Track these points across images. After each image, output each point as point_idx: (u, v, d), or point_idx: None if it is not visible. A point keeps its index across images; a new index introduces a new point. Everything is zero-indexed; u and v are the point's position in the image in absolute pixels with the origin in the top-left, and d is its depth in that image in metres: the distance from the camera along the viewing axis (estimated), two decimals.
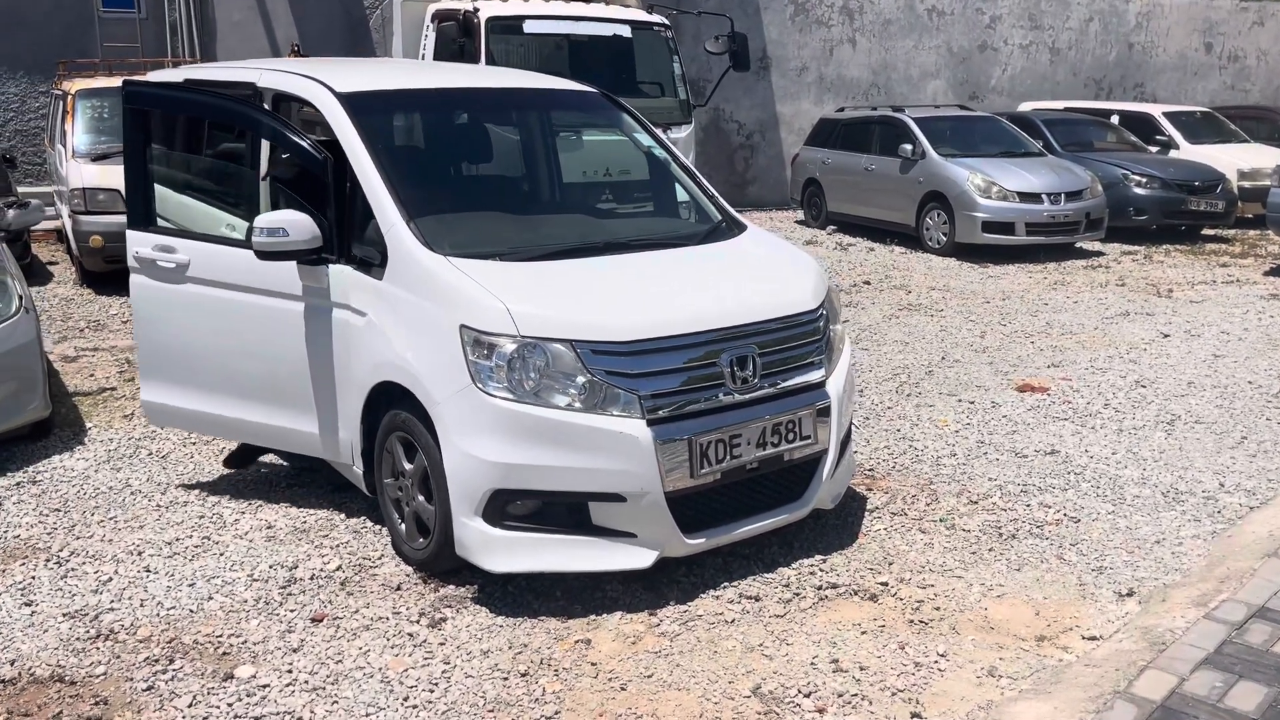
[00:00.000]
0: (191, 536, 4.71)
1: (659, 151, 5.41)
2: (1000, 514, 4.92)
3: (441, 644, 3.80)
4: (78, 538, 4.69)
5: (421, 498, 4.27)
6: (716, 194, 5.29)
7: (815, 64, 18.17)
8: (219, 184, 5.71)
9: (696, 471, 3.96)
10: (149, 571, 4.37)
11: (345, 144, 4.51)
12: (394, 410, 4.30)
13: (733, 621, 3.94)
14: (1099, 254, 12.75)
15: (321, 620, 3.96)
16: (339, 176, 4.50)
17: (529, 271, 4.21)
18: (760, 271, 4.59)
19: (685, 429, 3.94)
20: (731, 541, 4.20)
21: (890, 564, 4.41)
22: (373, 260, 4.42)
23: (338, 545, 4.61)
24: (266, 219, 4.47)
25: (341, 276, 4.53)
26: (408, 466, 4.33)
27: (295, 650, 3.77)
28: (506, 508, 3.92)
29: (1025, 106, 17.24)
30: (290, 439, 4.96)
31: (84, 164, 10.16)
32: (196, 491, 5.23)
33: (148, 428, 6.19)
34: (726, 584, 4.20)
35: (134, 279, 5.11)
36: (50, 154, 12.37)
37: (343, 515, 4.93)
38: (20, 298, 5.92)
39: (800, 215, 15.64)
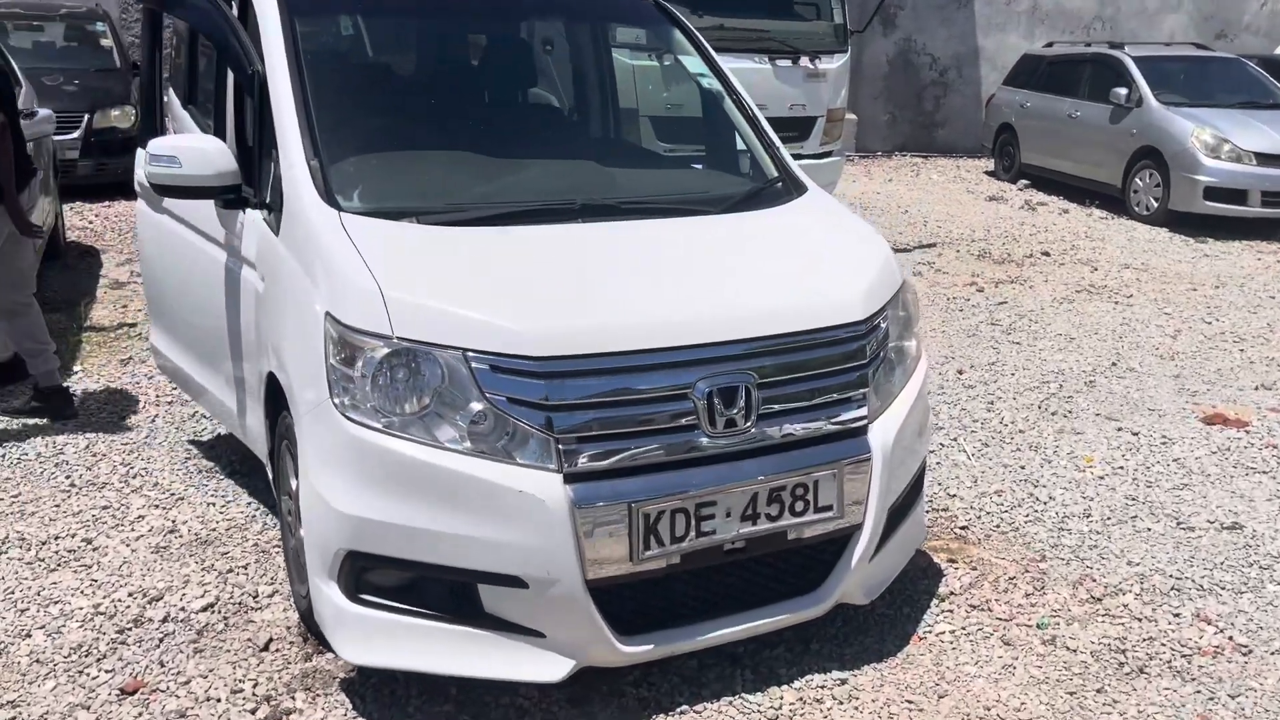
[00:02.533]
0: (75, 535, 3.82)
1: (713, 82, 4.05)
2: (1130, 626, 3.42)
3: None
4: None
5: (303, 531, 3.20)
6: (778, 142, 3.90)
7: None
8: (202, 101, 4.80)
9: (639, 554, 2.70)
10: None
11: (265, 47, 3.41)
12: (285, 411, 3.23)
13: None
14: None
15: (132, 694, 2.97)
16: (266, 96, 3.42)
17: (446, 241, 3.01)
18: (794, 258, 3.21)
19: (623, 490, 2.68)
20: (696, 650, 2.94)
21: (942, 697, 3.03)
22: (274, 208, 3.34)
23: (230, 570, 3.61)
24: (159, 143, 3.45)
25: (254, 227, 3.48)
26: (294, 485, 3.26)
27: None
28: (365, 576, 2.79)
29: None
30: (222, 415, 4.03)
31: None
32: (123, 471, 4.36)
33: (133, 378, 5.40)
34: (687, 707, 2.95)
35: (137, 203, 4.46)
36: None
37: (268, 522, 3.94)
38: None
39: (991, 165, 13.68)
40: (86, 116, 9.78)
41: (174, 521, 3.94)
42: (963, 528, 4.05)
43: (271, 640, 3.22)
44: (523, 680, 2.76)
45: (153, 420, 4.89)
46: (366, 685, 3.01)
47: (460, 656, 2.74)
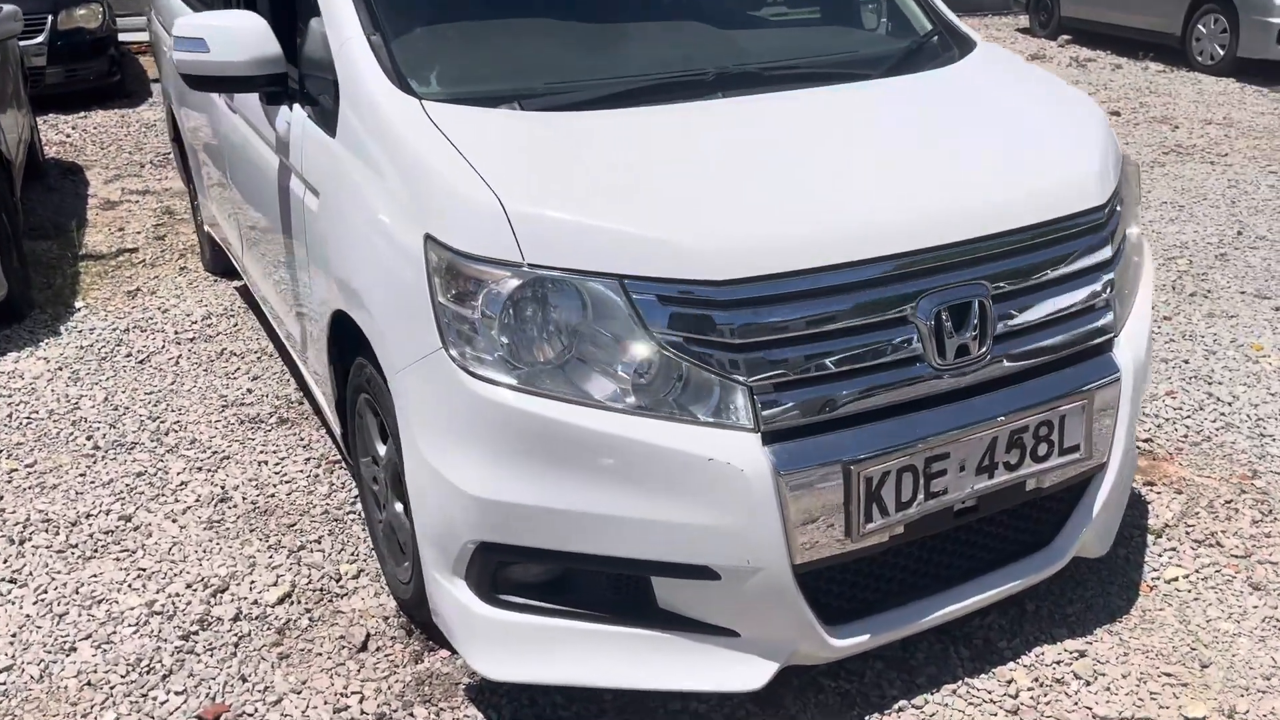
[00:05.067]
0: (109, 512, 3.21)
1: None
2: None
3: None
4: None
5: (399, 505, 2.59)
6: None
7: None
8: None
9: (860, 528, 2.09)
10: (14, 582, 2.89)
11: None
12: (361, 358, 2.59)
13: None
14: None
15: None
16: None
17: (564, 131, 2.31)
18: (1001, 130, 2.51)
19: (836, 447, 2.05)
20: (915, 633, 2.35)
21: (1205, 666, 2.47)
22: (325, 103, 2.64)
23: (301, 546, 3.01)
24: (185, 23, 2.75)
25: (300, 126, 2.78)
26: (380, 449, 2.64)
27: None
28: (505, 572, 2.18)
29: None
30: (283, 329, 3.45)
31: None
32: (153, 425, 3.72)
33: (145, 312, 4.73)
34: (905, 702, 2.38)
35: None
36: None
37: (334, 483, 3.33)
38: None
39: (1024, 22, 12.76)
40: (50, 18, 8.84)
41: (223, 487, 3.33)
42: (1145, 440, 3.45)
43: (369, 637, 2.64)
44: (715, 690, 2.17)
45: (176, 363, 4.24)
46: (499, 693, 2.43)
47: (630, 665, 2.15)
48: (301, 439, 3.61)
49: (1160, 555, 2.86)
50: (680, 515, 2.01)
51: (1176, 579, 2.77)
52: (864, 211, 2.12)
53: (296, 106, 2.82)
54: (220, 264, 5.06)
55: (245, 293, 4.90)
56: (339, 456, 3.48)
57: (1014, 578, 2.38)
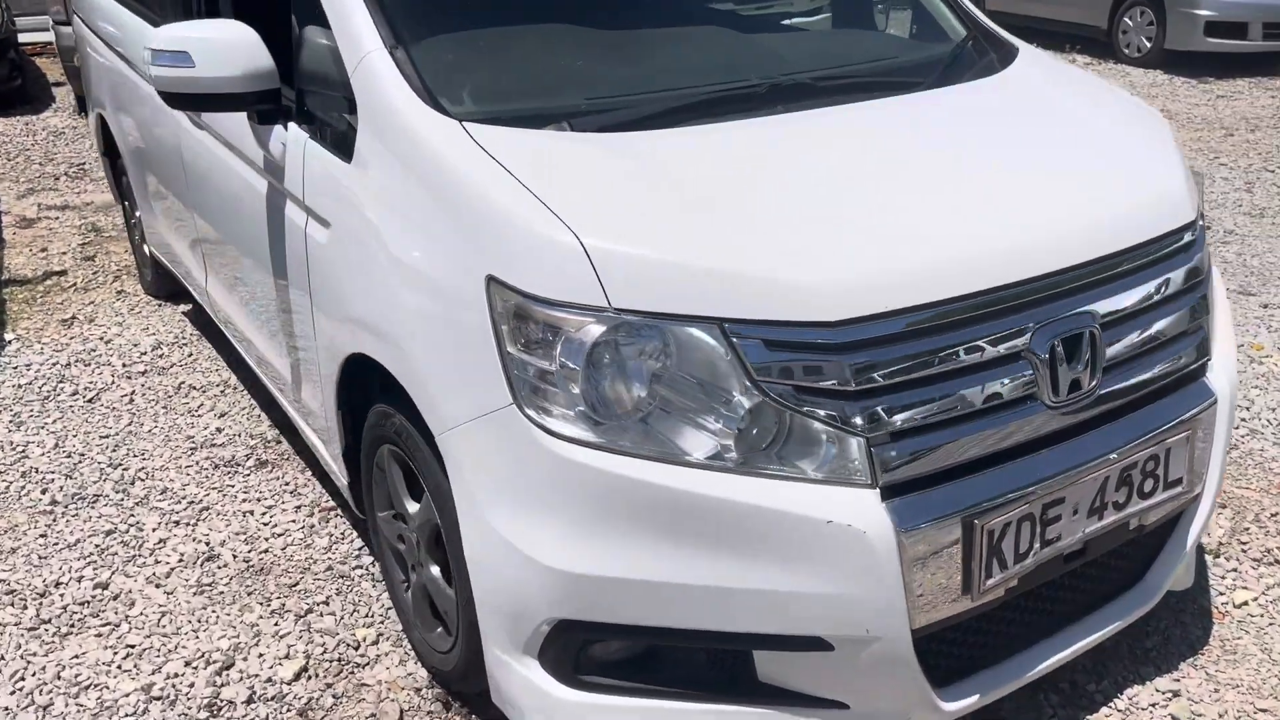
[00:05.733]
0: (81, 579, 2.87)
1: None
2: None
3: None
4: None
5: (436, 571, 2.34)
6: None
7: None
8: None
9: (980, 585, 1.91)
10: None
11: None
12: (384, 406, 2.33)
13: None
14: None
15: None
16: None
17: (629, 155, 2.08)
18: (1079, 143, 2.35)
19: (954, 498, 1.87)
20: (1019, 687, 2.19)
21: None
22: (336, 123, 2.36)
23: (309, 610, 2.73)
24: (163, 34, 2.46)
25: (300, 149, 2.50)
26: (411, 507, 2.38)
27: None
28: (588, 651, 1.95)
29: None
30: (264, 365, 3.14)
31: None
32: (115, 474, 3.38)
33: (85, 343, 4.34)
34: None
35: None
36: None
37: (333, 534, 3.05)
38: None
39: None
40: None
41: (208, 544, 3.02)
42: None
43: (404, 714, 2.38)
44: None
45: (129, 400, 3.88)
46: None
47: None
48: (286, 484, 3.31)
49: (1224, 577, 2.76)
50: (791, 583, 1.81)
51: (1246, 603, 2.67)
52: (976, 238, 1.94)
53: (293, 126, 2.54)
54: (164, 287, 4.69)
55: (196, 318, 4.54)
56: (333, 503, 3.19)
57: (1112, 619, 2.24)
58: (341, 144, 2.32)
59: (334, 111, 2.37)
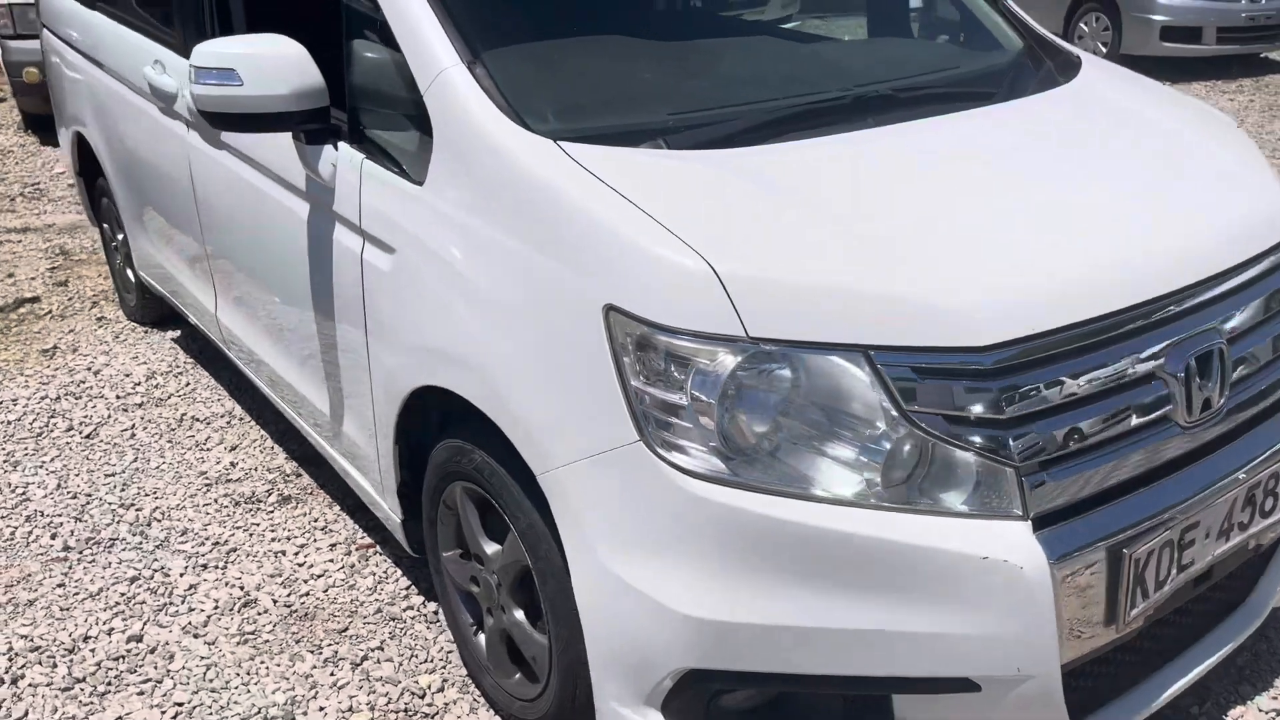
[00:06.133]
0: (112, 631, 2.69)
1: None
2: None
3: None
4: None
5: (520, 615, 2.21)
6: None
7: None
8: None
9: (1125, 616, 1.84)
10: None
11: None
12: (459, 441, 2.20)
13: None
14: None
15: None
16: None
17: (739, 173, 1.97)
18: (1183, 156, 2.29)
19: (1098, 526, 1.80)
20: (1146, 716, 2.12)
21: None
22: (402, 143, 2.23)
23: (364, 658, 2.57)
24: (207, 50, 2.30)
25: (350, 171, 2.35)
26: (489, 549, 2.25)
27: None
28: (718, 701, 1.84)
29: None
30: (292, 396, 2.97)
31: None
32: (129, 515, 3.19)
33: (72, 373, 4.11)
34: None
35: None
36: None
37: (376, 573, 2.89)
38: None
39: None
40: None
41: (243, 588, 2.85)
42: None
43: None
44: None
45: (130, 435, 3.68)
46: None
47: None
48: (315, 520, 3.15)
49: None
50: (941, 624, 1.72)
51: None
52: (1114, 253, 1.88)
53: (344, 146, 2.39)
54: (150, 313, 4.48)
55: (188, 345, 4.34)
56: (370, 540, 3.04)
57: (1225, 640, 2.19)
58: (410, 165, 2.19)
59: (399, 131, 2.23)
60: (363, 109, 2.34)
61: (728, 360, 1.70)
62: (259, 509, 3.22)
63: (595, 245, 1.81)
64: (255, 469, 3.43)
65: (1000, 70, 2.69)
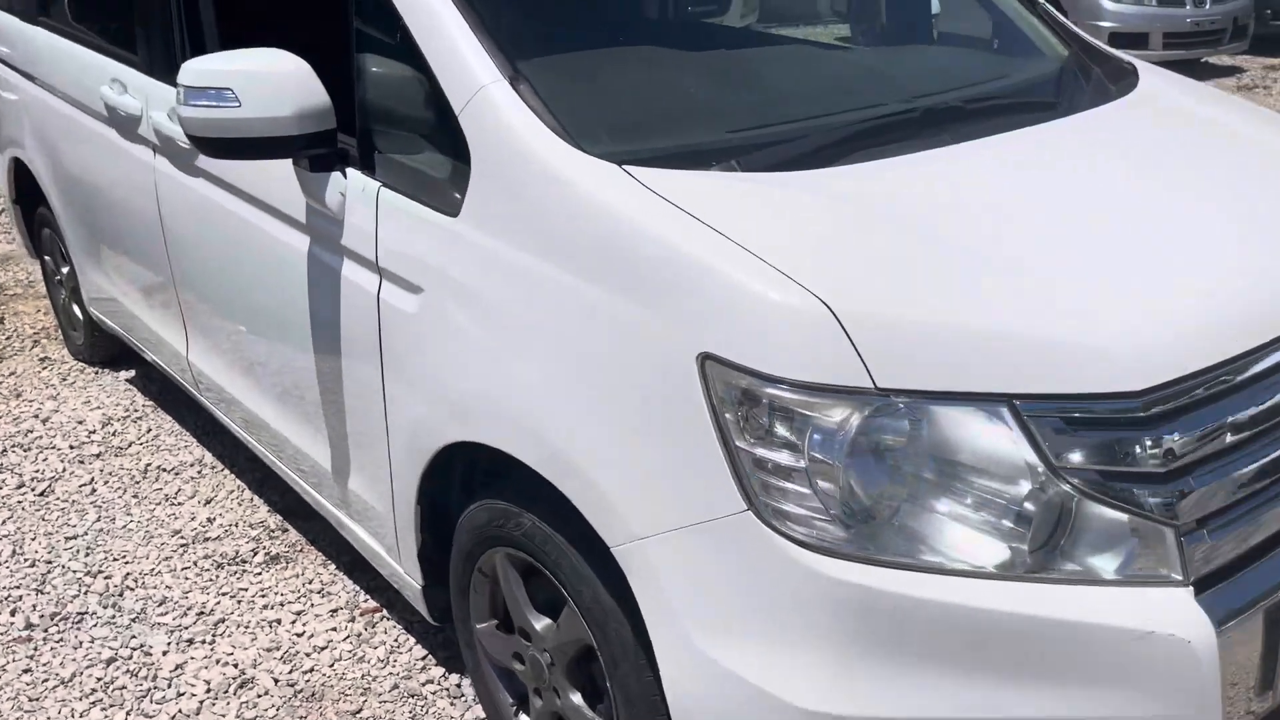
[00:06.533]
0: None
1: None
2: None
3: None
4: None
5: (578, 699, 1.96)
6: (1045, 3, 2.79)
7: None
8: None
9: (1277, 681, 1.65)
10: None
11: None
12: (503, 503, 1.94)
13: None
14: (1238, 70, 10.29)
15: None
16: None
17: (833, 197, 1.74)
18: (1272, 166, 2.14)
19: (1256, 585, 1.61)
20: None
21: None
22: (429, 170, 1.97)
23: None
24: (196, 68, 2.03)
25: (363, 201, 2.09)
26: (538, 624, 2.00)
27: None
28: None
29: None
30: (287, 450, 2.68)
31: None
32: (97, 584, 2.86)
33: (18, 422, 3.75)
34: None
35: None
36: None
37: (386, 642, 2.61)
38: None
39: None
40: None
41: (237, 665, 2.55)
42: None
43: None
44: None
45: (90, 490, 3.34)
46: None
47: None
48: (309, 581, 2.86)
49: None
50: (1099, 709, 1.51)
51: None
52: (1249, 281, 1.69)
53: (353, 173, 2.13)
54: (100, 352, 4.13)
55: (144, 386, 3.99)
56: (374, 603, 2.76)
57: None
58: (439, 195, 1.93)
59: (424, 155, 1.98)
60: (377, 131, 2.08)
61: (853, 415, 1.47)
62: (245, 571, 2.91)
63: (684, 285, 1.57)
64: (235, 524, 3.12)
65: (1056, 78, 2.51)
